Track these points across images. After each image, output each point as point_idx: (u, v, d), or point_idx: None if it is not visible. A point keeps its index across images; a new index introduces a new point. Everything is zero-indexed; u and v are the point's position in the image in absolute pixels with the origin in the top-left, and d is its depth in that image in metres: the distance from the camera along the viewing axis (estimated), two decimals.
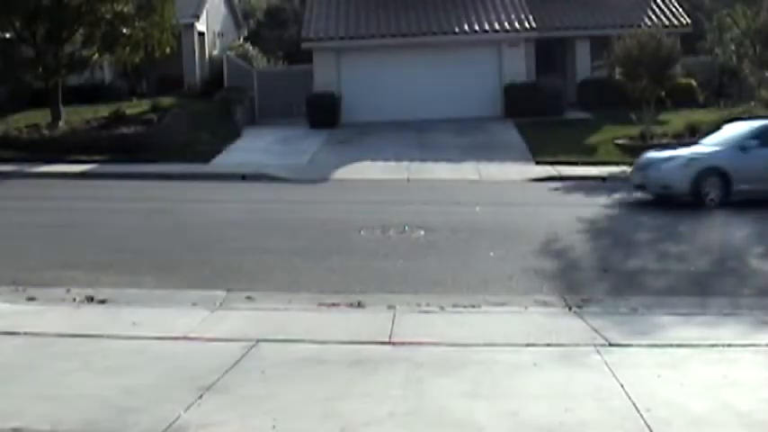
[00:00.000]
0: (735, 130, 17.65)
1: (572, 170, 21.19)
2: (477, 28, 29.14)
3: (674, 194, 16.46)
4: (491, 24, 29.22)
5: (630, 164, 21.82)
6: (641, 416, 5.79)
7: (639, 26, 27.02)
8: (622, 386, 6.37)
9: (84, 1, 24.78)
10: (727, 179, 15.97)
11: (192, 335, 7.75)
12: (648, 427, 5.62)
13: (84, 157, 22.39)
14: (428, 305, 8.96)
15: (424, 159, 23.11)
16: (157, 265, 10.95)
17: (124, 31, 25.79)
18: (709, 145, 17.48)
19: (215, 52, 35.77)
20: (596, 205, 16.48)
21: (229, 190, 19.24)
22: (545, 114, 27.06)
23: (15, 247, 12.11)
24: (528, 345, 7.51)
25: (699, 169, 16.07)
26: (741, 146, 16.39)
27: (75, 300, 9.07)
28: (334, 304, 8.96)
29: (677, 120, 24.65)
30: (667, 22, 29.32)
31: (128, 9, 25.78)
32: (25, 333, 7.69)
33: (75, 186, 19.49)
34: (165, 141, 23.52)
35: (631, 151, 22.70)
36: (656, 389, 6.34)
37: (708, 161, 16.28)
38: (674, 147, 18.67)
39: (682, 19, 30.11)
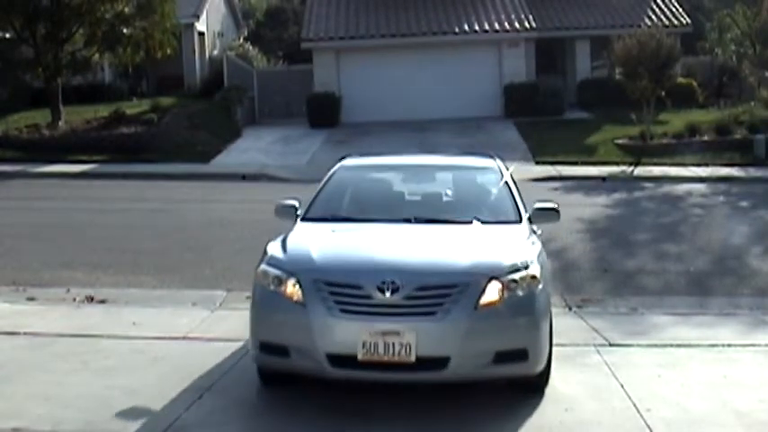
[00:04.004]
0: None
1: (572, 170, 21.16)
2: (477, 28, 29.11)
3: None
4: (491, 24, 29.20)
5: (630, 164, 21.88)
6: (641, 416, 5.78)
7: (639, 26, 26.98)
8: (622, 386, 6.37)
9: (84, 1, 24.78)
10: None
11: (191, 335, 7.76)
12: (648, 427, 5.62)
13: (84, 157, 22.40)
14: None
15: None
16: (157, 265, 10.95)
17: (124, 31, 25.79)
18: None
19: (215, 52, 35.76)
20: (596, 205, 16.46)
21: (229, 190, 19.22)
22: (545, 114, 27.04)
23: (15, 247, 12.11)
24: None
25: None
26: None
27: (75, 300, 9.08)
28: None
29: (677, 120, 24.65)
30: (667, 22, 29.29)
31: (128, 9, 25.79)
32: (25, 333, 7.69)
33: (75, 186, 19.47)
34: (165, 141, 23.51)
35: (631, 151, 22.70)
36: (656, 389, 6.33)
37: None
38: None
39: (682, 19, 30.09)
